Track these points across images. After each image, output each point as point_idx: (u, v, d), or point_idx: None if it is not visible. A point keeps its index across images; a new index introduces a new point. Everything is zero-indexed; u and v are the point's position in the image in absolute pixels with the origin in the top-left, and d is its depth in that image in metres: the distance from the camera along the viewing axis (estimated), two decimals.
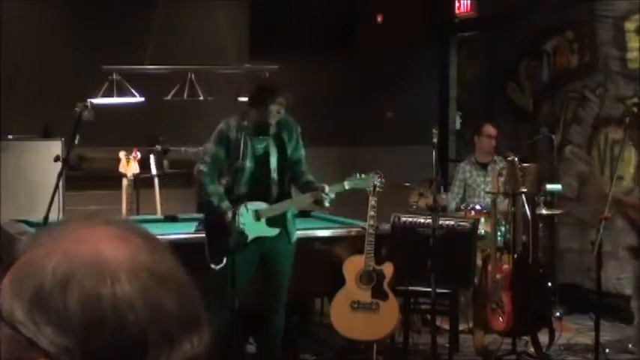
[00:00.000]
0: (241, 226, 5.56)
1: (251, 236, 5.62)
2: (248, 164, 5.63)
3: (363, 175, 5.79)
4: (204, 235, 5.70)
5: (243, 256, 5.53)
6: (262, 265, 5.69)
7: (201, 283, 0.96)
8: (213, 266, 5.47)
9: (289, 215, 5.74)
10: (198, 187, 5.76)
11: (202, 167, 5.67)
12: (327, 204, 5.62)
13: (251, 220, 5.62)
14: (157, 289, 0.88)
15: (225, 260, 5.48)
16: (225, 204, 5.57)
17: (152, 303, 0.87)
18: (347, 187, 5.76)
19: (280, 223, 5.69)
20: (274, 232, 5.66)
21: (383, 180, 5.93)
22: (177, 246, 1.26)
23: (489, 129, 7.58)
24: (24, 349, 0.86)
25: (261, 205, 5.65)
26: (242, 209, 5.59)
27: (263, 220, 5.64)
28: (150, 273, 0.89)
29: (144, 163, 7.15)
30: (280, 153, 5.70)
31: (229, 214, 5.52)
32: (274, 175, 5.67)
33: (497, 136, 7.59)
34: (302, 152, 5.79)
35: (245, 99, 7.26)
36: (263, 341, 5.91)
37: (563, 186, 7.65)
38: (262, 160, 5.67)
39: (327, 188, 5.60)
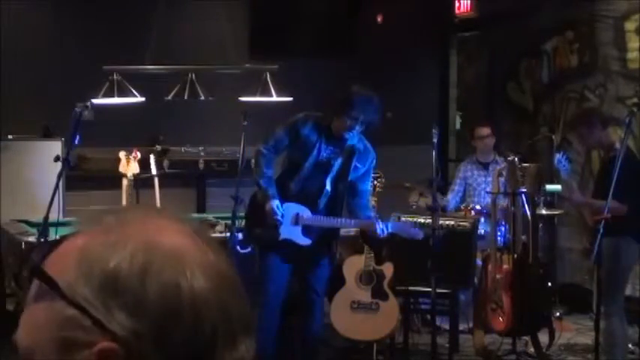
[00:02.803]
0: (278, 219, 5.42)
1: (282, 236, 5.48)
2: (307, 165, 5.47)
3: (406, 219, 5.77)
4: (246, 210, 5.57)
5: (275, 257, 5.45)
6: (301, 275, 5.56)
7: None
8: (238, 248, 5.39)
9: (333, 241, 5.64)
10: (254, 167, 5.53)
11: (262, 149, 5.47)
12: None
13: (288, 221, 5.48)
14: (225, 289, 0.90)
15: (250, 247, 5.43)
16: (272, 190, 5.42)
17: (222, 302, 0.89)
18: (396, 232, 5.68)
19: (320, 239, 5.56)
20: (306, 242, 5.52)
21: (383, 180, 5.93)
22: None
23: (481, 131, 7.59)
24: (86, 330, 0.85)
25: (304, 211, 5.52)
26: (286, 206, 5.46)
27: (300, 226, 5.51)
28: (218, 273, 0.90)
29: (144, 163, 7.14)
30: (344, 169, 5.51)
31: (272, 202, 5.38)
32: (329, 187, 5.51)
33: (493, 133, 7.57)
34: (368, 185, 5.64)
35: (246, 99, 7.28)
36: (305, 340, 5.76)
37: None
38: (323, 169, 5.49)
39: (378, 228, 5.48)
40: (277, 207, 5.42)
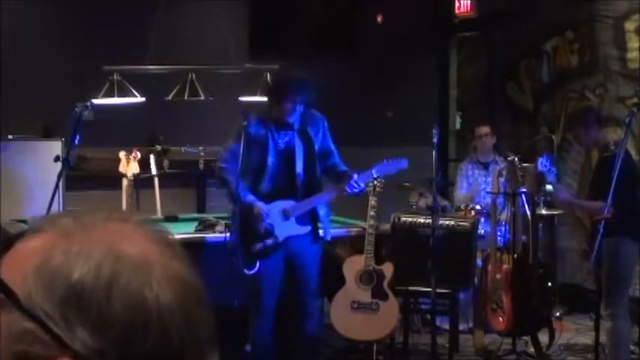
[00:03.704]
0: (268, 227, 5.41)
1: (281, 237, 5.47)
2: (270, 161, 5.45)
3: (389, 161, 5.71)
4: (231, 239, 5.37)
5: (272, 258, 5.44)
6: (291, 264, 5.54)
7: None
8: (246, 271, 5.31)
9: (322, 212, 5.59)
10: (222, 186, 5.53)
11: (222, 164, 5.48)
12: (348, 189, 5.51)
13: (279, 221, 5.46)
14: (189, 299, 0.85)
15: (258, 265, 5.40)
16: (250, 197, 5.39)
17: (186, 312, 0.84)
18: (375, 175, 5.70)
19: (312, 220, 5.57)
20: (306, 229, 5.53)
21: (383, 180, 5.93)
22: None
23: (481, 130, 7.60)
24: (44, 345, 0.80)
25: (287, 203, 5.50)
26: (268, 210, 5.43)
27: (292, 218, 5.50)
28: (182, 282, 0.86)
29: (144, 163, 7.14)
30: (306, 148, 5.52)
31: (257, 205, 5.36)
32: (300, 170, 5.50)
33: (494, 132, 7.57)
34: (331, 144, 5.64)
35: (246, 99, 7.29)
36: (302, 339, 5.73)
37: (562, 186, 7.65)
38: (286, 157, 5.48)
39: (355, 176, 5.50)
40: (263, 207, 5.41)
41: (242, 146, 5.30)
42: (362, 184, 5.57)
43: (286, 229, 5.50)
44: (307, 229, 5.54)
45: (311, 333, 5.65)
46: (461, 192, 7.59)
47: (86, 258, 0.82)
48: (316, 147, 5.55)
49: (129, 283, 0.81)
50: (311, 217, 5.59)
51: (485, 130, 7.56)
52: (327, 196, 5.64)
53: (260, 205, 5.41)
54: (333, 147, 5.67)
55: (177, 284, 0.84)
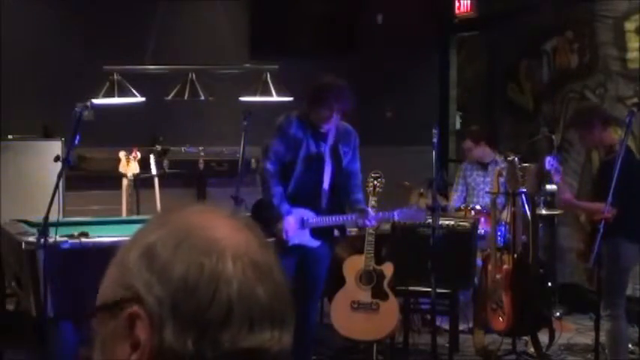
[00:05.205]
0: (286, 238, 5.44)
1: (292, 242, 5.49)
2: (300, 165, 5.47)
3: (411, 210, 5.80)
4: None
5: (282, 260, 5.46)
6: (301, 271, 5.55)
7: None
8: None
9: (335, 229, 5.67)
10: (262, 185, 5.54)
11: (268, 165, 5.47)
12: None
13: (296, 227, 5.49)
14: (254, 278, 0.98)
15: None
16: (285, 207, 5.43)
17: (246, 288, 0.97)
18: (396, 219, 5.77)
19: (325, 235, 5.59)
20: (317, 243, 5.56)
21: (383, 180, 5.93)
22: None
23: (464, 144, 7.60)
24: (126, 292, 0.98)
25: (308, 214, 5.52)
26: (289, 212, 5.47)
27: (308, 229, 5.53)
28: (253, 262, 0.99)
29: (144, 163, 7.14)
30: (335, 165, 5.53)
31: (285, 221, 5.40)
32: (326, 184, 5.52)
33: (477, 141, 7.42)
34: (357, 165, 5.66)
35: (246, 99, 7.28)
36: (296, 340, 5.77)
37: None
38: (315, 166, 5.50)
39: (372, 212, 5.56)
40: (288, 223, 5.42)
41: (242, 147, 5.33)
42: (373, 223, 5.66)
43: (299, 236, 5.52)
44: (318, 243, 5.57)
45: (307, 334, 5.67)
46: (454, 194, 7.58)
47: (164, 227, 1.01)
48: (343, 164, 5.57)
49: (192, 248, 0.97)
50: (326, 232, 5.61)
51: (467, 144, 7.50)
52: (346, 220, 5.66)
53: (287, 224, 5.43)
54: (358, 167, 5.68)
55: (249, 265, 0.98)
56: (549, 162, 5.81)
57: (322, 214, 5.54)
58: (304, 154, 5.47)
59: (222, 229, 1.00)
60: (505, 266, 6.21)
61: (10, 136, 7.81)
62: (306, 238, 5.54)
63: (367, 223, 5.59)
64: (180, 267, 0.96)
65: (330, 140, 5.52)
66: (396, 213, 5.76)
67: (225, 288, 0.96)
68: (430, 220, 5.72)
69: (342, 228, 5.76)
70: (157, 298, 0.96)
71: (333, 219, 5.57)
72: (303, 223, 5.51)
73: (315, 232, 5.56)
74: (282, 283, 1.01)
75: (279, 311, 0.99)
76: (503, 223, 6.52)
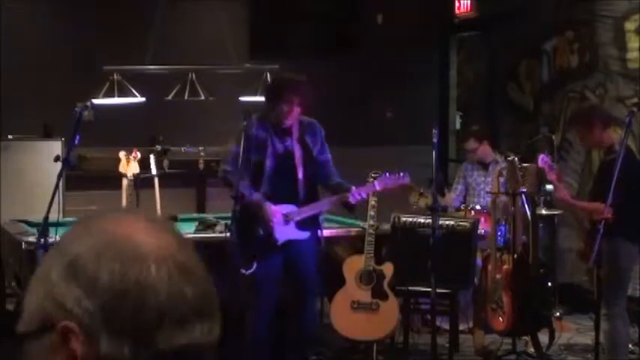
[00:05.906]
0: (271, 227, 5.44)
1: (281, 240, 5.51)
2: (269, 164, 5.49)
3: (390, 175, 5.75)
4: (230, 238, 5.34)
5: (272, 258, 5.47)
6: (290, 266, 5.57)
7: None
8: (243, 271, 5.34)
9: (320, 218, 5.67)
10: (229, 188, 5.54)
11: (226, 166, 5.55)
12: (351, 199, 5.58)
13: (280, 224, 5.51)
14: (180, 279, 1.00)
15: (255, 265, 5.41)
16: (257, 195, 5.45)
17: (174, 290, 0.99)
18: (377, 188, 5.75)
19: (311, 226, 5.61)
20: (305, 235, 5.57)
21: None
22: None
23: (467, 145, 7.54)
24: (54, 307, 0.99)
25: (289, 208, 5.54)
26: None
27: (292, 223, 5.54)
28: (177, 264, 1.00)
29: (144, 163, 7.14)
30: (306, 155, 5.56)
31: (265, 204, 5.41)
32: (301, 176, 5.54)
33: (479, 141, 7.41)
34: (328, 155, 5.69)
35: (246, 99, 7.29)
36: (293, 338, 5.77)
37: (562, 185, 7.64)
38: (285, 162, 5.52)
39: (353, 188, 5.56)
40: (272, 207, 5.45)
41: (242, 147, 5.31)
42: (364, 195, 5.64)
43: (286, 232, 5.53)
44: (307, 234, 5.58)
45: (306, 333, 5.67)
46: (453, 193, 7.57)
47: (85, 237, 1.01)
48: (314, 154, 5.59)
49: (115, 258, 0.99)
50: (311, 223, 5.61)
51: (471, 144, 7.45)
52: (328, 204, 5.70)
53: (268, 206, 5.44)
54: (329, 157, 5.72)
55: (169, 265, 1.00)
56: (542, 159, 5.81)
57: (301, 205, 5.56)
58: (271, 152, 5.50)
59: (142, 235, 1.01)
60: (505, 266, 6.21)
61: (10, 136, 7.82)
62: (292, 233, 5.54)
63: (351, 198, 5.58)
64: (105, 278, 0.97)
65: (295, 134, 5.55)
66: (376, 182, 5.75)
67: (153, 293, 0.98)
68: (430, 220, 5.72)
69: (349, 205, 5.71)
70: (87, 311, 0.97)
71: (318, 205, 5.60)
72: (286, 218, 5.51)
73: (301, 224, 5.57)
74: (205, 277, 1.03)
75: (206, 306, 1.02)
76: (503, 223, 6.52)
